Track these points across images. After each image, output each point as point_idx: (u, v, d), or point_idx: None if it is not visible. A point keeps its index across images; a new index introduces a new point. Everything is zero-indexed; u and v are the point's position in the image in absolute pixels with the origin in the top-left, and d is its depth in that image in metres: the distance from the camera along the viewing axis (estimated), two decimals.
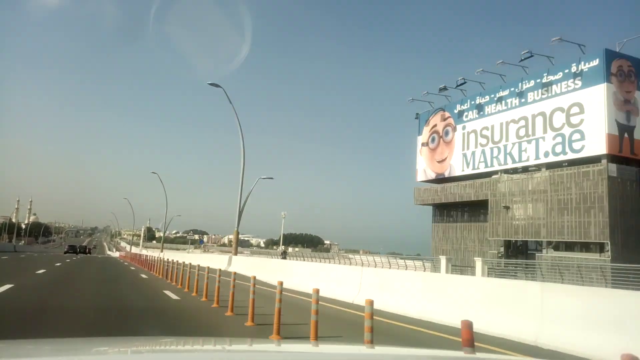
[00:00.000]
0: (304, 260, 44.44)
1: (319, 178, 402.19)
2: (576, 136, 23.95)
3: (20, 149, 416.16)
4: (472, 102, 31.30)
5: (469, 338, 3.79)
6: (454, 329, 9.49)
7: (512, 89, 28.21)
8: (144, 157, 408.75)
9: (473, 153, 30.76)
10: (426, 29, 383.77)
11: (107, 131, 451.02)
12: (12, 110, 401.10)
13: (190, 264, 16.12)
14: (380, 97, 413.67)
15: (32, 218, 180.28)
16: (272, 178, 41.07)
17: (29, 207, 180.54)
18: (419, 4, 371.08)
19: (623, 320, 6.97)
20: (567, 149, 24.33)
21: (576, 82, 24.20)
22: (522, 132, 27.26)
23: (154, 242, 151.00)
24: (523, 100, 27.33)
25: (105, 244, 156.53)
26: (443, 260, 26.10)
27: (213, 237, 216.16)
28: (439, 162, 33.61)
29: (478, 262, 23.33)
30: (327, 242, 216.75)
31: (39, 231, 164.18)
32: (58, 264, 25.77)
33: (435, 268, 28.49)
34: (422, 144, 35.38)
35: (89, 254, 63.24)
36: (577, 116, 23.95)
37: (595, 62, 23.52)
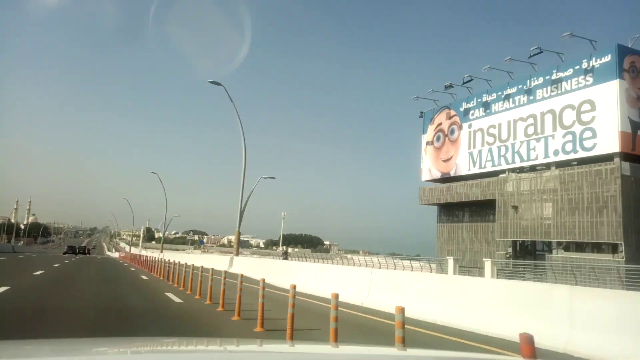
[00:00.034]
0: (306, 260, 43.89)
1: (318, 178, 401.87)
2: (587, 134, 23.36)
3: (19, 148, 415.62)
4: (479, 100, 30.72)
5: (531, 355, 3.28)
6: (475, 335, 8.98)
7: (520, 87, 27.62)
8: (144, 157, 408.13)
9: (480, 152, 30.17)
10: (428, 28, 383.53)
11: (106, 131, 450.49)
12: (11, 110, 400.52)
13: (193, 265, 15.55)
14: (380, 97, 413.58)
15: (31, 218, 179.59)
16: (273, 177, 40.53)
17: (28, 207, 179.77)
18: (420, 3, 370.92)
19: None
20: (577, 147, 23.75)
21: (587, 78, 23.62)
22: (530, 130, 26.68)
23: (153, 242, 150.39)
24: (531, 97, 26.75)
25: (104, 244, 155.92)
26: (450, 261, 25.51)
27: (213, 237, 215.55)
28: (444, 161, 33.02)
29: (487, 263, 22.74)
30: (326, 242, 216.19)
31: (38, 231, 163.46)
32: (56, 265, 25.25)
33: (443, 269, 27.91)
34: (427, 143, 34.79)
35: (88, 255, 62.78)
36: (589, 113, 23.38)
37: (607, 58, 22.95)
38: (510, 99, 28.22)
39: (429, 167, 34.40)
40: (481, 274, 27.63)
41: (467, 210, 32.33)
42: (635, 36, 23.44)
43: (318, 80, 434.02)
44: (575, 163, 24.41)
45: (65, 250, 63.86)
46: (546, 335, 8.18)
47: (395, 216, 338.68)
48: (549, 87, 25.67)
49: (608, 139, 22.41)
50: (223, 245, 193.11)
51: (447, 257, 26.29)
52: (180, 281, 15.23)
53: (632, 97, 22.74)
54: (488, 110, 29.87)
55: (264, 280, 9.15)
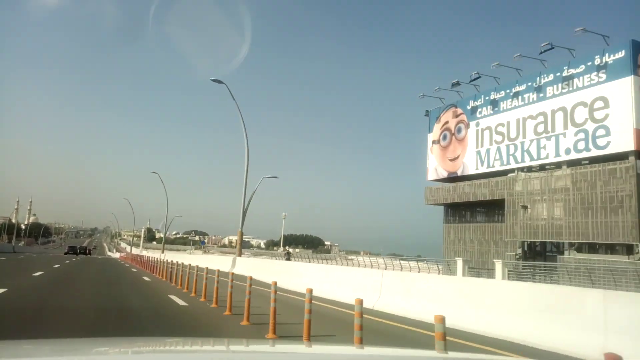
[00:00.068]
0: (310, 261, 43.37)
1: (319, 178, 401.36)
2: (601, 132, 22.77)
3: (20, 148, 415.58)
4: (486, 98, 30.14)
5: None
6: (498, 342, 8.50)
7: (530, 84, 27.04)
8: (144, 157, 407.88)
9: (488, 150, 29.59)
10: (432, 26, 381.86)
11: (107, 131, 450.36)
12: (12, 110, 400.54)
13: (197, 266, 15.05)
14: (381, 96, 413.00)
15: (31, 219, 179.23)
16: (276, 177, 40.04)
17: (28, 207, 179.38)
18: (423, 2, 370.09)
19: None
20: (590, 146, 23.15)
21: (600, 75, 23.03)
22: (540, 128, 26.09)
23: (154, 242, 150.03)
24: (541, 95, 26.16)
25: (105, 244, 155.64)
26: (459, 262, 24.97)
27: (213, 237, 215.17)
28: (451, 160, 32.44)
29: (498, 265, 22.18)
30: (327, 243, 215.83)
31: (39, 232, 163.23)
32: (57, 266, 24.80)
33: (451, 271, 27.37)
34: (433, 142, 34.22)
35: (89, 255, 62.54)
36: (602, 111, 22.78)
37: (621, 54, 22.36)
38: (519, 97, 27.64)
39: (435, 167, 33.82)
40: (490, 275, 27.07)
41: (474, 210, 31.76)
42: None
43: (318, 79, 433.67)
44: (586, 162, 23.83)
45: (66, 250, 63.83)
46: (577, 343, 7.65)
47: (395, 216, 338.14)
48: (559, 84, 25.08)
49: (622, 137, 21.81)
50: (224, 246, 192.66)
51: (456, 259, 25.77)
52: (184, 283, 14.76)
53: None
54: (496, 108, 29.29)
55: (275, 283, 8.62)
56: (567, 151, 24.27)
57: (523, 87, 27.49)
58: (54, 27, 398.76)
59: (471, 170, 30.63)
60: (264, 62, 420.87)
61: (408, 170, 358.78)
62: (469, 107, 31.43)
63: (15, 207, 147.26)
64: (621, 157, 22.05)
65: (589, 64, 23.58)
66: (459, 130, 32.01)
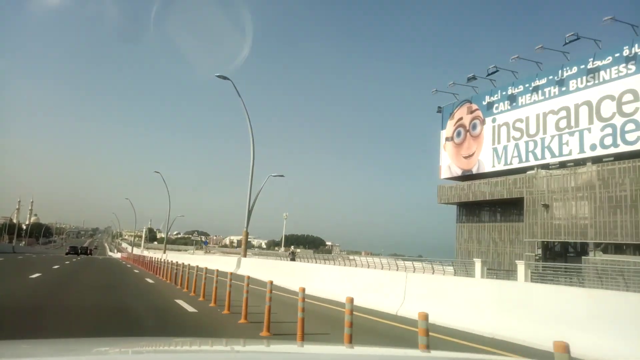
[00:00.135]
0: (315, 262, 42.27)
1: (319, 178, 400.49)
2: (630, 126, 21.54)
3: (21, 148, 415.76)
4: (504, 93, 28.95)
5: None
6: (547, 354, 7.57)
7: (551, 77, 25.83)
8: (145, 157, 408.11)
9: (505, 147, 28.38)
10: (448, 19, 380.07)
11: (108, 131, 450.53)
12: (13, 110, 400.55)
13: (206, 268, 13.93)
14: (381, 99, 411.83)
15: (33, 219, 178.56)
16: (282, 176, 39.04)
17: (29, 207, 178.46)
18: None
19: None
20: (618, 141, 21.93)
21: (629, 66, 21.82)
22: (562, 123, 24.88)
23: (155, 243, 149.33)
24: (564, 89, 24.96)
25: (106, 244, 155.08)
26: (478, 263, 23.80)
27: (214, 238, 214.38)
28: (465, 157, 31.25)
29: (520, 266, 21.01)
30: (328, 243, 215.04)
31: (40, 232, 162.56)
32: (56, 267, 23.84)
33: (468, 272, 26.16)
34: (446, 139, 33.03)
35: (90, 255, 61.84)
36: (631, 104, 21.57)
37: None
38: (540, 91, 26.44)
39: (449, 164, 32.63)
40: (509, 277, 25.86)
41: (490, 209, 30.56)
42: None
43: (319, 80, 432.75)
44: (611, 158, 22.63)
45: (67, 251, 63.58)
46: None
47: (396, 216, 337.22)
48: (584, 77, 23.87)
49: None
50: (225, 246, 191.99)
51: (474, 260, 24.59)
52: (190, 285, 13.73)
53: None
54: (514, 104, 28.09)
55: (303, 289, 7.49)
56: (593, 147, 23.05)
57: (543, 81, 26.28)
58: (54, 27, 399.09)
59: (487, 167, 29.43)
60: (265, 61, 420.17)
61: (411, 170, 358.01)
62: (484, 103, 30.24)
63: (17, 207, 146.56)
64: None
65: (617, 55, 22.37)
66: (474, 127, 30.81)
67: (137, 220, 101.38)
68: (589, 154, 23.27)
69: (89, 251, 69.89)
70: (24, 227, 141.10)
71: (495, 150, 29.05)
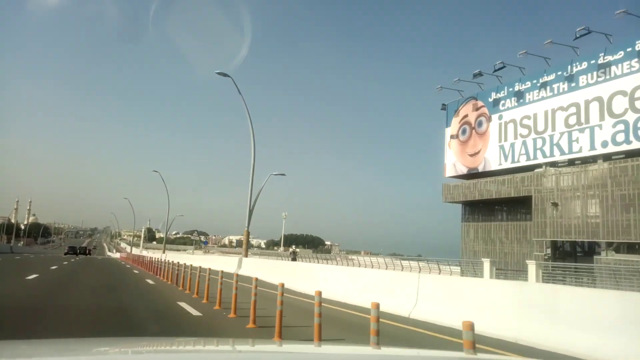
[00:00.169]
0: (318, 262, 41.75)
1: (319, 178, 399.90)
2: None
3: (19, 148, 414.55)
4: (510, 89, 28.39)
5: None
6: None
7: (560, 73, 25.27)
8: (144, 157, 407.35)
9: (512, 145, 27.83)
10: (452, 16, 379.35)
11: (107, 131, 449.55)
12: (12, 109, 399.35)
13: (209, 269, 13.35)
14: (381, 99, 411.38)
15: (31, 219, 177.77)
16: (284, 174, 38.53)
17: (28, 207, 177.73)
18: None
19: None
20: (631, 137, 21.37)
21: None
22: (572, 120, 24.32)
23: (154, 242, 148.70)
24: (573, 84, 24.40)
25: (105, 244, 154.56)
26: (486, 263, 23.26)
27: (213, 237, 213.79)
28: (471, 155, 30.69)
29: (531, 266, 20.46)
30: (327, 242, 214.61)
31: (39, 232, 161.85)
32: (54, 267, 23.34)
33: (476, 272, 25.63)
34: (451, 136, 32.46)
35: (89, 255, 61.40)
36: None
37: None
38: (548, 87, 25.88)
39: (454, 162, 32.07)
40: (518, 277, 25.31)
41: (496, 208, 30.00)
42: None
43: (318, 80, 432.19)
44: (623, 155, 22.08)
45: (66, 251, 63.30)
46: None
47: (395, 216, 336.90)
48: (594, 73, 23.31)
49: None
50: (224, 246, 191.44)
51: (483, 259, 24.04)
52: (192, 287, 13.21)
53: None
54: (521, 100, 27.54)
55: (320, 293, 6.95)
56: (604, 144, 22.50)
57: (552, 77, 25.72)
58: (54, 27, 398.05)
59: (494, 165, 28.88)
60: (267, 60, 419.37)
61: (411, 169, 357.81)
62: (490, 100, 29.68)
63: (15, 207, 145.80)
64: None
65: (629, 50, 21.81)
66: (480, 124, 30.26)
67: (136, 220, 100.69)
68: (600, 151, 22.72)
69: (87, 251, 69.55)
70: (23, 227, 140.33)
71: (502, 147, 28.51)
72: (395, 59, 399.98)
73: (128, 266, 32.03)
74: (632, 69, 21.56)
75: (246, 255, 28.43)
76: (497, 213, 29.97)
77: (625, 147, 21.66)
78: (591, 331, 7.61)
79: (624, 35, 22.75)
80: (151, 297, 12.88)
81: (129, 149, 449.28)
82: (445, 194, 31.89)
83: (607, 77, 22.65)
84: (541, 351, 7.95)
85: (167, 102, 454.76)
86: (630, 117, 21.43)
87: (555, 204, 24.00)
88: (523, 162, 26.97)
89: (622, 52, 22.13)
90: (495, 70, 28.64)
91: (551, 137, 25.42)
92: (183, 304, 10.71)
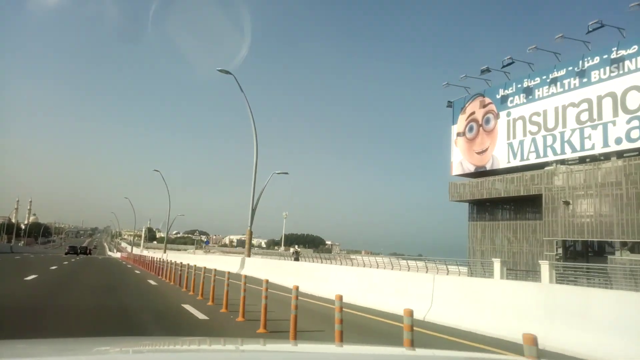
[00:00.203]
0: (321, 262, 41.20)
1: (319, 178, 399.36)
2: None
3: (20, 148, 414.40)
4: (519, 86, 27.80)
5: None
6: None
7: (571, 68, 24.68)
8: (144, 157, 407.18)
9: (521, 142, 27.24)
10: (458, 12, 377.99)
11: (107, 130, 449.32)
12: (12, 109, 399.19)
13: (214, 269, 12.82)
14: (381, 99, 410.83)
15: (31, 218, 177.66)
16: (286, 173, 37.96)
17: (28, 207, 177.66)
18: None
19: None
20: None
21: None
22: (584, 116, 23.73)
23: (155, 242, 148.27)
24: (585, 80, 23.81)
25: (105, 244, 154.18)
26: (497, 263, 22.67)
27: (214, 237, 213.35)
28: (478, 153, 30.11)
29: (544, 266, 19.87)
30: (328, 242, 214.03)
31: (39, 232, 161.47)
32: (53, 267, 22.81)
33: (486, 273, 25.07)
34: (458, 134, 31.87)
35: (89, 255, 61.05)
36: None
37: None
38: (558, 83, 25.29)
39: (461, 161, 31.48)
40: (527, 277, 24.74)
41: (505, 206, 29.41)
42: None
43: (318, 80, 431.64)
44: (637, 153, 21.50)
45: (66, 250, 63.08)
46: None
47: (395, 216, 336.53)
48: (607, 68, 22.73)
49: None
50: (225, 245, 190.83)
51: (493, 259, 23.45)
52: (197, 288, 12.68)
53: None
54: (530, 97, 26.96)
55: (340, 297, 6.38)
56: (618, 141, 21.90)
57: (562, 73, 25.13)
58: (54, 27, 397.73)
59: (502, 163, 28.29)
60: (267, 60, 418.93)
61: (411, 169, 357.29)
62: (498, 96, 29.09)
63: (15, 206, 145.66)
64: None
65: None
66: (487, 121, 29.67)
67: (136, 220, 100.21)
68: (613, 148, 22.12)
69: (88, 251, 69.31)
70: (23, 227, 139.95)
71: (510, 145, 27.92)
72: (395, 59, 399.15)
73: (129, 266, 31.49)
74: None
75: (249, 255, 27.89)
76: (506, 212, 29.39)
77: None
78: (629, 337, 7.05)
79: (638, 28, 22.18)
80: (154, 299, 12.33)
81: (129, 149, 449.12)
82: (452, 192, 31.30)
83: (621, 72, 22.07)
84: (569, 357, 7.42)
85: (167, 102, 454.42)
86: None
87: (567, 203, 23.42)
88: (533, 159, 26.39)
89: (636, 47, 21.56)
90: (504, 66, 28.07)
91: (562, 134, 24.83)
92: (188, 307, 10.20)
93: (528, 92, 27.08)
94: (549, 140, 25.51)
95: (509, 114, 28.23)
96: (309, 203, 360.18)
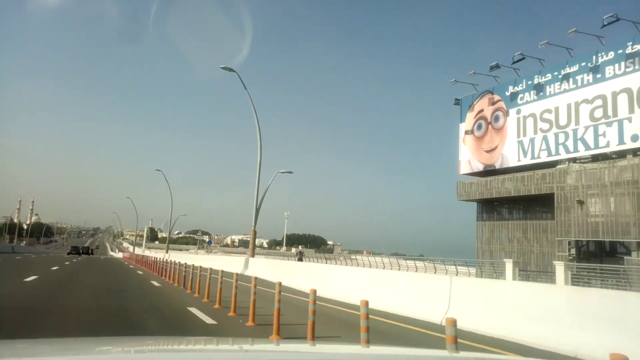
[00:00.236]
0: (326, 262, 40.63)
1: (319, 178, 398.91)
2: None
3: (22, 148, 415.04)
4: (529, 82, 27.19)
5: None
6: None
7: (584, 64, 24.06)
8: (145, 157, 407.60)
9: (531, 140, 26.62)
10: (465, 8, 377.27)
11: (109, 131, 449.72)
12: (14, 109, 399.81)
13: (221, 271, 12.28)
14: (381, 99, 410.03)
15: (34, 218, 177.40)
16: (291, 172, 37.41)
17: (30, 207, 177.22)
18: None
19: None
20: None
21: None
22: (598, 113, 23.11)
23: (156, 242, 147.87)
24: (599, 75, 23.19)
25: (107, 244, 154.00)
26: (509, 264, 22.09)
27: (216, 237, 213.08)
28: (487, 151, 29.50)
29: (559, 267, 19.30)
30: (330, 242, 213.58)
31: (41, 231, 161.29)
32: (54, 268, 22.33)
33: (498, 274, 24.49)
34: (466, 132, 31.26)
35: (91, 255, 60.72)
36: None
37: None
38: (571, 79, 24.67)
39: (469, 159, 30.87)
40: (537, 278, 24.14)
41: (514, 206, 28.80)
42: None
43: (318, 80, 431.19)
44: None
45: (69, 250, 63.00)
46: None
47: (396, 216, 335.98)
48: (622, 63, 22.11)
49: None
50: (226, 245, 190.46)
51: (505, 260, 22.87)
52: (202, 290, 12.17)
53: None
54: (541, 93, 26.34)
55: (366, 303, 5.83)
56: (634, 138, 21.27)
57: (575, 68, 24.51)
58: (54, 27, 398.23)
59: (512, 162, 27.68)
60: (267, 60, 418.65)
61: (412, 169, 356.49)
62: (507, 93, 28.49)
63: (17, 206, 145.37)
64: None
65: None
66: (497, 119, 29.06)
67: (138, 220, 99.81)
68: (629, 145, 21.50)
69: (90, 251, 69.00)
70: (25, 227, 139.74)
71: (520, 143, 27.31)
72: (395, 59, 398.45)
73: (131, 267, 30.98)
74: None
75: (253, 255, 27.36)
76: (515, 211, 28.77)
77: None
78: None
79: None
80: (158, 301, 11.79)
81: (129, 149, 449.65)
82: (460, 191, 30.69)
83: (637, 67, 21.47)
84: None
85: (167, 102, 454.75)
86: None
87: (580, 202, 22.80)
88: (544, 158, 25.77)
89: None
90: (514, 63, 27.45)
91: (575, 131, 24.21)
92: (194, 310, 9.68)
93: (539, 88, 26.47)
94: (561, 137, 24.90)
95: (519, 112, 27.63)
96: (309, 203, 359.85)
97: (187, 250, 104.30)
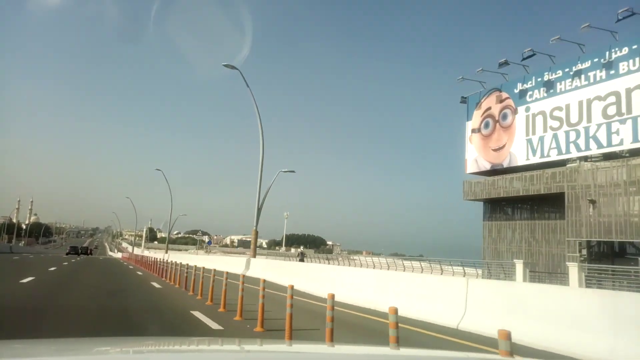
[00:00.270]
0: (328, 263, 40.03)
1: (319, 178, 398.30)
2: None
3: (21, 148, 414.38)
4: (539, 80, 26.58)
5: None
6: None
7: (596, 60, 23.45)
8: (145, 157, 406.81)
9: (541, 138, 26.00)
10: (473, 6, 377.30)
11: (108, 130, 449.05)
12: (13, 109, 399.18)
13: (226, 272, 11.64)
14: (381, 99, 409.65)
15: (32, 218, 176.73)
16: (293, 171, 36.82)
17: (29, 207, 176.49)
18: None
19: None
20: None
21: None
22: (611, 110, 22.50)
23: (156, 242, 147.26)
24: (612, 72, 22.58)
25: (106, 244, 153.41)
26: (519, 265, 21.47)
27: (215, 237, 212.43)
28: (494, 150, 28.88)
29: (573, 268, 18.68)
30: (329, 242, 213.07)
31: (40, 232, 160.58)
32: (52, 269, 21.78)
33: (506, 275, 23.87)
34: (472, 130, 30.65)
35: (90, 255, 60.15)
36: None
37: None
38: (582, 76, 24.06)
39: (475, 158, 30.25)
40: (545, 279, 23.54)
41: (523, 205, 28.18)
42: None
43: (318, 80, 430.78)
44: None
45: (68, 251, 62.59)
46: None
47: (396, 216, 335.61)
48: (637, 59, 21.50)
49: None
50: (225, 246, 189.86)
51: (515, 261, 22.25)
52: (205, 292, 11.59)
53: None
54: (551, 90, 25.72)
55: (396, 310, 5.21)
56: None
57: (587, 64, 23.90)
58: (54, 27, 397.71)
59: (520, 160, 27.06)
60: (267, 60, 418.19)
61: (412, 169, 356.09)
62: (516, 91, 27.87)
63: (16, 206, 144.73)
64: None
65: None
66: (505, 117, 28.45)
67: (137, 220, 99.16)
68: None
69: (89, 251, 68.54)
70: (24, 226, 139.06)
71: (529, 141, 26.69)
72: (395, 59, 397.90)
73: (131, 267, 30.36)
74: None
75: (254, 256, 26.76)
76: (524, 211, 28.15)
77: None
78: None
79: None
80: (159, 304, 11.18)
81: (129, 149, 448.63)
82: (467, 191, 30.07)
83: None
84: None
85: (167, 102, 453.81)
86: None
87: (592, 201, 22.19)
88: (554, 156, 25.14)
89: None
90: (524, 59, 26.82)
91: (586, 129, 23.59)
92: (198, 314, 9.09)
93: (549, 85, 25.86)
94: (572, 135, 24.29)
95: (527, 109, 27.01)
96: (309, 203, 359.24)
97: (187, 250, 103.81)
